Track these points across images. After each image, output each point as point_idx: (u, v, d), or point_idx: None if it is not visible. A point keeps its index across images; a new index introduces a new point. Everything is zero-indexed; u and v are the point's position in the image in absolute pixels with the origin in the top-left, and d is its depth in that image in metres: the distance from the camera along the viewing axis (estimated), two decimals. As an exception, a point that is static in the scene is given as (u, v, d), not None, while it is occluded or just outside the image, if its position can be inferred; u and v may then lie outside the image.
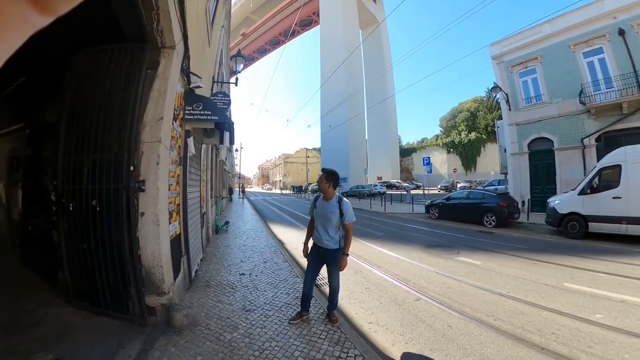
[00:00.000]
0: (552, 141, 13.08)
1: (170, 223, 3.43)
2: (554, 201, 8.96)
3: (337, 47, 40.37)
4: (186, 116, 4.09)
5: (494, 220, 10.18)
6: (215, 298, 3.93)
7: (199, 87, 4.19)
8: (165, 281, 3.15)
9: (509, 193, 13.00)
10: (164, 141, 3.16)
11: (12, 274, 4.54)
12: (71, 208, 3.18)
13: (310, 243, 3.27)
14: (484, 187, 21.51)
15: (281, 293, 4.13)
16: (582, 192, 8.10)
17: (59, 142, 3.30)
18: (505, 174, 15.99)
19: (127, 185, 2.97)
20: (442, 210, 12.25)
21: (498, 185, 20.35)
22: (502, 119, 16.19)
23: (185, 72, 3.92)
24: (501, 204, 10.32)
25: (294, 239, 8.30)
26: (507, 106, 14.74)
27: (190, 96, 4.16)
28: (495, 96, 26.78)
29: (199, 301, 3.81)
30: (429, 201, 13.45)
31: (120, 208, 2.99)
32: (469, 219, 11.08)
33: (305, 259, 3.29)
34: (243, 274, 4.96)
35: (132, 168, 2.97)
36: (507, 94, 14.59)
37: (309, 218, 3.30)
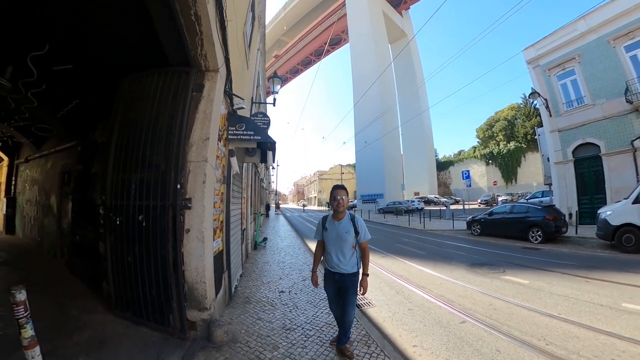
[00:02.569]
0: (598, 146, 11.94)
1: (214, 239, 3.51)
2: (605, 212, 8.11)
3: (368, 63, 40.72)
4: (230, 136, 4.28)
5: (540, 236, 9.46)
6: (254, 315, 3.91)
7: (242, 107, 4.42)
8: (207, 297, 3.19)
9: (554, 205, 11.98)
10: (210, 160, 3.29)
11: (59, 279, 4.87)
12: (118, 222, 3.36)
13: (319, 272, 3.00)
14: (527, 199, 20.12)
15: (322, 312, 4.02)
16: (637, 201, 7.31)
17: (108, 160, 3.54)
18: (550, 184, 14.85)
19: (174, 203, 3.08)
20: (485, 226, 11.63)
21: (542, 197, 18.86)
22: (542, 126, 15.19)
23: (228, 93, 4.12)
24: (547, 217, 9.55)
25: None
26: (547, 112, 13.79)
27: (233, 117, 4.38)
28: (533, 102, 25.29)
29: (238, 317, 3.81)
30: (470, 217, 12.84)
31: (166, 224, 3.09)
32: (514, 235, 10.37)
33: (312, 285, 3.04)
34: (282, 292, 4.93)
35: (179, 186, 3.10)
36: (546, 99, 13.69)
37: (316, 242, 2.95)
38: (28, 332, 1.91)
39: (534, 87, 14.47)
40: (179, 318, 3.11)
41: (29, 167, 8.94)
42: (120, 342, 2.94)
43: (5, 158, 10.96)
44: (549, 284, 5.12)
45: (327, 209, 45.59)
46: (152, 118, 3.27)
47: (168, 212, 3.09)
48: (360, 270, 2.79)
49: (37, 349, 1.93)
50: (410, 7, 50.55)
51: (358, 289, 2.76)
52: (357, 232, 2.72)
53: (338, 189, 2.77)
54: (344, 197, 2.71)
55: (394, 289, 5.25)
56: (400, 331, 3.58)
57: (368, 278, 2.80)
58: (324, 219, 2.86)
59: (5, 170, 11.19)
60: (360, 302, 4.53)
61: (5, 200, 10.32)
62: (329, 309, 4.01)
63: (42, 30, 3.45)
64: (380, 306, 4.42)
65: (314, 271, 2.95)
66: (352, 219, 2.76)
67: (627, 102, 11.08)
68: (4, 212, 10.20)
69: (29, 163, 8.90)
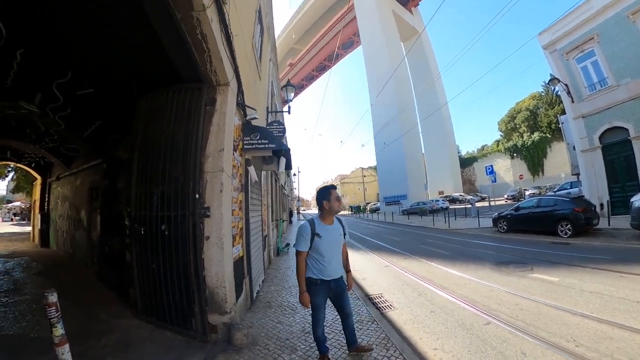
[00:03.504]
0: (627, 130, 11.16)
1: (233, 246, 3.63)
2: (639, 200, 7.60)
3: (382, 63, 40.44)
4: (245, 146, 4.43)
5: (569, 229, 8.99)
6: (275, 319, 3.97)
7: (254, 118, 4.56)
8: (227, 301, 3.30)
9: (583, 196, 11.42)
10: (226, 170, 3.43)
11: (89, 287, 5.20)
12: (143, 232, 3.55)
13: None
14: (555, 192, 19.18)
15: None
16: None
17: (132, 174, 3.77)
18: (578, 174, 14.11)
19: (194, 212, 3.23)
20: (511, 222, 11.22)
21: (570, 188, 17.94)
22: (565, 114, 14.48)
23: (241, 105, 4.27)
24: (576, 209, 9.04)
25: (356, 262, 8.08)
26: (569, 98, 13.08)
27: (247, 127, 4.52)
28: (554, 89, 24.13)
29: (259, 321, 3.88)
30: (496, 214, 12.43)
31: (187, 232, 3.24)
32: (542, 230, 9.92)
33: (300, 302, 2.61)
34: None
35: (197, 196, 3.25)
36: (566, 85, 13.00)
37: (302, 253, 2.55)
38: (59, 330, 2.09)
39: (552, 73, 13.82)
40: (201, 322, 3.23)
41: (60, 184, 9.54)
42: (144, 345, 3.10)
43: (39, 177, 11.77)
44: (579, 281, 4.86)
45: (350, 213, 45.28)
46: (170, 133, 3.45)
47: (188, 221, 3.24)
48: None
49: (67, 346, 2.10)
50: (419, 3, 50.00)
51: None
52: (344, 233, 2.68)
53: (334, 188, 2.66)
54: (333, 203, 2.57)
55: (417, 290, 5.17)
56: (421, 334, 3.50)
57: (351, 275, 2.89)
58: (312, 225, 2.53)
59: (39, 188, 12.02)
60: (380, 304, 4.52)
61: (40, 216, 11.07)
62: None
63: (63, 60, 3.75)
64: (402, 309, 4.36)
65: (304, 290, 2.52)
66: (339, 220, 2.69)
67: (654, 78, 10.35)
68: (39, 227, 10.94)
69: (60, 181, 9.49)
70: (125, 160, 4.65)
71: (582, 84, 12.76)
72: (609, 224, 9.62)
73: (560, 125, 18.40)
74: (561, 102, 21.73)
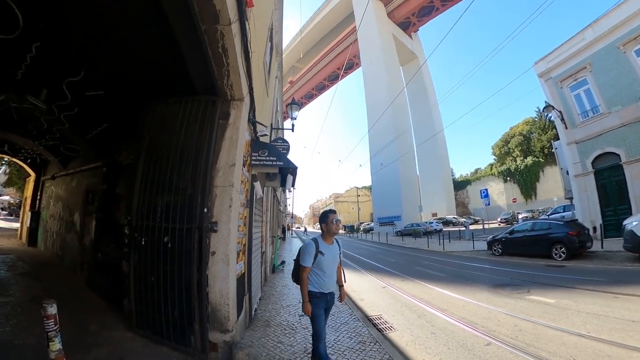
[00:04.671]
0: (618, 155, 11.56)
1: (237, 262, 3.56)
2: (631, 223, 7.78)
3: (381, 86, 41.18)
4: (253, 162, 4.44)
5: (563, 252, 9.11)
6: (275, 338, 3.89)
7: (264, 134, 4.62)
8: (230, 319, 3.22)
9: (577, 220, 11.60)
10: (236, 185, 3.40)
11: (78, 294, 4.95)
12: (143, 242, 3.44)
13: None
14: (548, 215, 19.48)
15: (343, 337, 3.98)
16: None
17: (135, 181, 3.65)
18: (571, 198, 14.36)
19: (200, 226, 3.16)
20: (506, 245, 11.30)
21: (564, 211, 18.24)
22: (558, 139, 14.88)
23: (252, 121, 4.30)
24: (570, 233, 9.20)
25: (352, 282, 8.00)
26: (563, 124, 13.54)
27: (256, 143, 4.56)
28: (548, 115, 24.83)
29: (259, 340, 3.79)
30: (491, 237, 12.54)
31: (192, 246, 3.16)
32: (536, 253, 10.03)
33: (301, 314, 3.09)
34: (302, 315, 4.84)
35: (205, 210, 3.19)
36: (560, 112, 13.48)
37: (307, 268, 2.77)
38: (56, 345, 1.98)
39: (547, 100, 14.32)
40: (201, 339, 3.12)
41: (55, 184, 9.33)
42: (138, 360, 2.94)
43: (33, 174, 11.52)
44: (575, 302, 4.94)
45: (344, 232, 45.18)
46: (180, 144, 3.41)
47: (194, 235, 3.17)
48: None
49: (63, 363, 1.95)
50: (419, 28, 51.35)
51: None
52: (340, 252, 2.95)
53: (332, 213, 2.91)
54: (333, 225, 2.85)
55: (415, 312, 5.15)
56: (424, 355, 3.49)
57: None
58: (316, 244, 2.79)
59: (31, 185, 11.75)
60: (380, 325, 4.47)
61: (30, 213, 10.76)
62: (350, 334, 3.98)
63: (78, 59, 3.69)
64: (402, 330, 4.33)
65: (307, 301, 2.74)
66: (336, 240, 2.96)
67: (643, 106, 10.72)
68: (28, 225, 10.61)
69: (54, 180, 9.29)
70: (127, 166, 4.56)
71: (576, 111, 13.22)
72: (602, 247, 9.77)
73: (553, 150, 18.86)
74: (554, 127, 22.37)
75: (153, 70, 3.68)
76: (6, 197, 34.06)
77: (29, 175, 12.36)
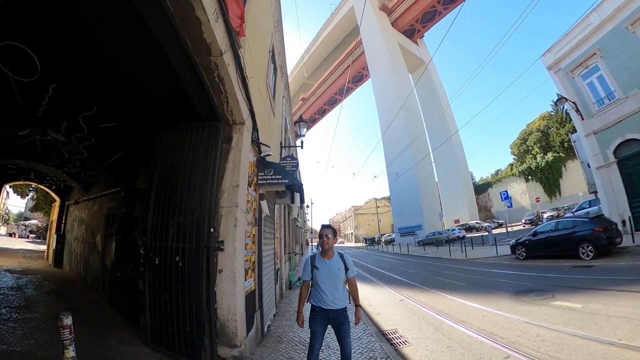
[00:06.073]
0: None
1: (246, 279, 3.66)
2: None
3: (391, 95, 41.28)
4: (259, 181, 4.58)
5: (591, 251, 8.60)
6: (286, 354, 3.89)
7: (268, 154, 4.78)
8: (238, 334, 3.29)
9: (603, 214, 10.93)
10: (241, 205, 3.53)
11: (99, 310, 5.21)
12: (157, 262, 3.61)
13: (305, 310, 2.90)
14: (573, 212, 18.44)
15: (354, 352, 3.88)
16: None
17: (149, 204, 3.87)
18: (595, 192, 13.51)
19: (208, 245, 3.30)
20: (530, 248, 10.83)
21: (589, 207, 17.27)
22: (576, 132, 14.24)
23: (256, 142, 4.46)
24: (596, 229, 8.69)
25: (369, 296, 7.93)
26: (579, 115, 12.90)
27: (262, 163, 4.71)
28: (563, 107, 23.88)
29: (269, 356, 3.81)
30: (513, 240, 12.04)
31: (201, 265, 3.30)
32: (562, 254, 9.54)
33: (300, 325, 2.91)
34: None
35: (212, 230, 3.33)
36: (574, 103, 12.88)
37: (305, 281, 2.89)
38: (70, 353, 2.11)
39: (559, 92, 13.79)
40: (210, 354, 3.21)
41: (78, 208, 9.85)
42: (152, 374, 3.03)
43: (58, 199, 12.20)
44: (605, 306, 4.64)
45: (364, 245, 44.77)
46: (187, 168, 3.60)
47: (202, 254, 3.30)
48: (348, 305, 2.87)
49: (76, 369, 2.09)
50: (424, 34, 51.41)
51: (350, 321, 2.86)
52: (346, 269, 2.84)
53: (324, 228, 2.86)
54: (329, 236, 2.81)
55: (432, 325, 4.99)
56: (437, 371, 3.37)
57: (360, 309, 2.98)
58: (312, 258, 2.88)
59: (57, 210, 12.42)
60: (395, 340, 4.38)
61: (55, 236, 11.36)
62: (362, 350, 3.91)
63: (90, 95, 4.02)
64: (417, 345, 4.22)
65: (300, 312, 2.90)
66: (342, 256, 2.88)
67: (662, 84, 10.14)
68: (54, 247, 11.19)
69: (78, 205, 9.81)
70: (143, 190, 4.80)
71: (590, 100, 12.64)
72: (633, 241, 9.22)
73: (572, 144, 18.10)
74: (571, 119, 21.49)
75: (160, 102, 3.94)
76: (34, 221, 36.11)
77: (55, 200, 13.08)
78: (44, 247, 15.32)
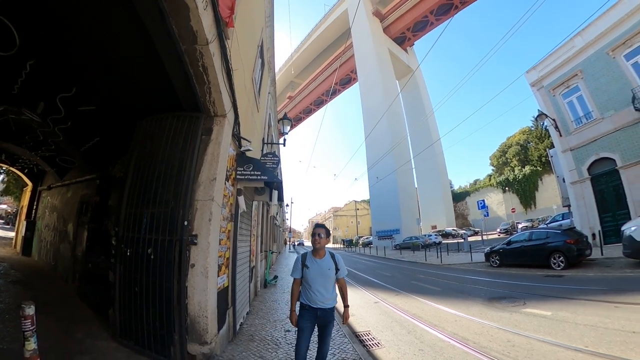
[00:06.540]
0: (614, 160, 11.52)
1: (219, 275, 3.57)
2: (630, 228, 7.65)
3: (377, 100, 41.57)
4: (238, 176, 4.47)
5: (562, 261, 8.96)
6: (257, 353, 3.83)
7: (249, 150, 4.67)
8: (208, 331, 3.22)
9: (575, 227, 11.50)
10: (217, 199, 3.44)
11: (68, 302, 4.99)
12: (128, 254, 3.49)
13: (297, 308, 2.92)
14: (547, 224, 19.25)
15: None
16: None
17: (123, 194, 3.74)
18: (568, 206, 14.23)
19: (181, 238, 3.20)
20: (503, 257, 11.15)
21: (562, 219, 18.10)
22: (554, 147, 14.88)
23: (237, 136, 4.36)
24: (568, 241, 9.07)
25: None
26: (557, 132, 13.61)
27: (241, 158, 4.60)
28: (543, 124, 24.91)
29: (240, 354, 3.74)
30: (488, 248, 12.36)
31: (173, 258, 3.20)
32: (534, 263, 9.88)
33: (292, 325, 2.90)
34: (288, 331, 4.80)
35: (186, 223, 3.23)
36: (554, 120, 13.55)
37: (295, 280, 2.91)
38: (31, 345, 2.02)
39: (540, 108, 14.41)
40: (180, 351, 3.13)
41: (51, 194, 9.41)
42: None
43: (30, 184, 11.61)
44: (573, 314, 4.80)
45: (342, 246, 44.97)
46: (165, 158, 3.49)
47: (175, 247, 3.21)
48: (335, 305, 2.88)
49: (38, 362, 1.99)
50: (415, 43, 52.28)
51: (336, 321, 2.91)
52: (337, 269, 2.84)
53: (317, 227, 2.87)
54: (321, 235, 2.81)
55: (405, 328, 5.03)
56: (407, 373, 3.40)
57: (349, 309, 3.00)
58: (304, 257, 2.88)
59: (28, 195, 11.82)
60: (367, 342, 4.40)
61: (25, 222, 10.79)
62: (334, 350, 3.85)
63: (70, 75, 3.83)
64: (389, 347, 4.24)
65: (293, 310, 2.89)
66: (333, 256, 2.88)
67: (635, 110, 10.71)
68: (23, 234, 10.63)
69: (50, 190, 9.37)
70: (119, 179, 4.63)
71: (569, 118, 13.30)
72: (602, 254, 9.62)
73: (549, 159, 18.89)
74: (550, 135, 22.40)
75: (142, 88, 3.81)
76: (3, 206, 34.07)
77: (27, 184, 12.44)
78: (12, 234, 14.53)
